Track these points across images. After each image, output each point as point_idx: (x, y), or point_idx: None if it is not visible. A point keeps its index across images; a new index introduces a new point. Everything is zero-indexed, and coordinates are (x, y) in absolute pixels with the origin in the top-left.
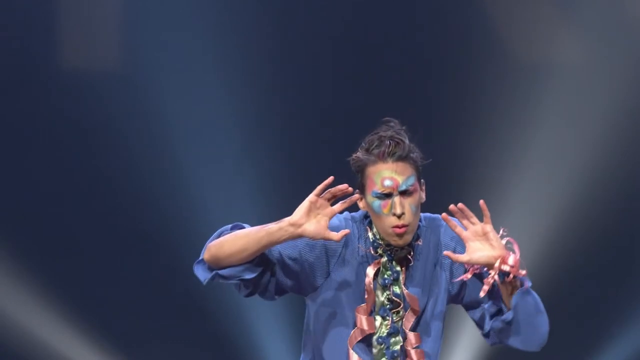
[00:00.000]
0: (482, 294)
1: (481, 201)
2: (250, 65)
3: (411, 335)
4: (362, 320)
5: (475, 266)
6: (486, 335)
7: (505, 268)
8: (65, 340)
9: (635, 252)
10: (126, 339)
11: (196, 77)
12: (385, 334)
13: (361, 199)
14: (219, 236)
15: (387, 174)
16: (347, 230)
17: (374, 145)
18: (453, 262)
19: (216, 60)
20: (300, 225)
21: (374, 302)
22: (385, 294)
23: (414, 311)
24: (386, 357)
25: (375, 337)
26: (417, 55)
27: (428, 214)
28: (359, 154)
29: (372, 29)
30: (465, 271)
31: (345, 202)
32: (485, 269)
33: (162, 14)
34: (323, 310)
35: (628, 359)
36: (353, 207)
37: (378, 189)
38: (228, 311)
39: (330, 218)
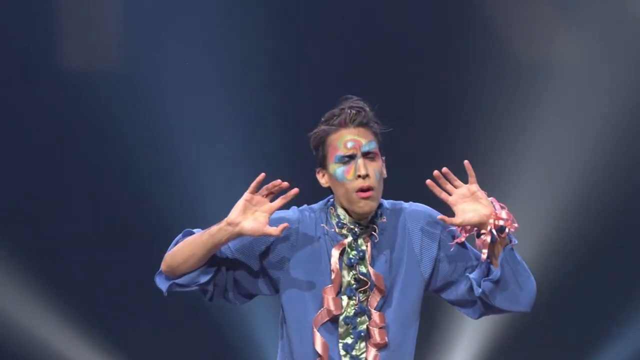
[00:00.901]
0: (483, 257)
1: (466, 162)
2: (251, 65)
3: (375, 315)
4: (329, 301)
5: (468, 228)
6: (472, 305)
7: (500, 223)
8: (65, 340)
9: (635, 252)
10: (126, 339)
11: (196, 77)
12: (352, 314)
13: (323, 175)
14: (174, 246)
15: (350, 137)
16: (285, 224)
17: (335, 115)
18: (423, 245)
19: (216, 60)
20: (237, 224)
21: (341, 282)
22: (351, 273)
23: (379, 290)
24: (352, 336)
25: (341, 317)
26: (417, 55)
27: (390, 200)
28: (319, 127)
29: (371, 29)
30: (454, 237)
31: (284, 197)
32: (476, 229)
33: (162, 14)
34: (290, 297)
35: (628, 359)
36: (315, 196)
37: (341, 151)
38: (228, 311)
39: (270, 214)
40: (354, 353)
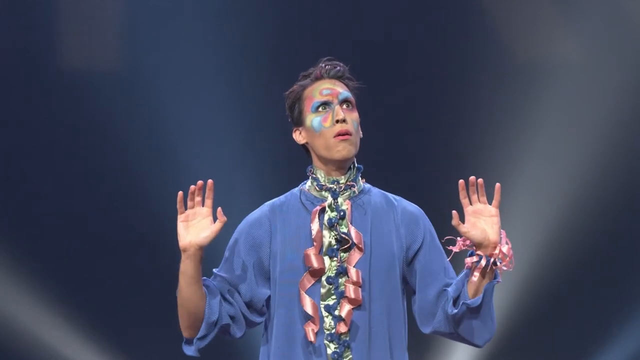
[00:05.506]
0: (472, 280)
1: (497, 185)
2: (251, 65)
3: (352, 272)
4: (312, 259)
5: (466, 241)
6: (430, 317)
7: (499, 255)
8: (66, 340)
9: (636, 252)
10: (126, 339)
11: (196, 77)
12: (334, 274)
13: (300, 133)
14: None
15: (326, 86)
16: (219, 210)
17: (310, 72)
18: (409, 228)
19: (216, 60)
20: (189, 244)
21: (322, 243)
22: (332, 234)
23: (358, 249)
24: (334, 297)
25: (324, 278)
26: (417, 55)
27: None
28: (295, 86)
29: (371, 29)
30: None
31: (208, 195)
32: (474, 247)
33: (162, 14)
34: (278, 273)
35: (628, 359)
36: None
37: (317, 99)
38: None
39: (210, 215)
40: (336, 313)
